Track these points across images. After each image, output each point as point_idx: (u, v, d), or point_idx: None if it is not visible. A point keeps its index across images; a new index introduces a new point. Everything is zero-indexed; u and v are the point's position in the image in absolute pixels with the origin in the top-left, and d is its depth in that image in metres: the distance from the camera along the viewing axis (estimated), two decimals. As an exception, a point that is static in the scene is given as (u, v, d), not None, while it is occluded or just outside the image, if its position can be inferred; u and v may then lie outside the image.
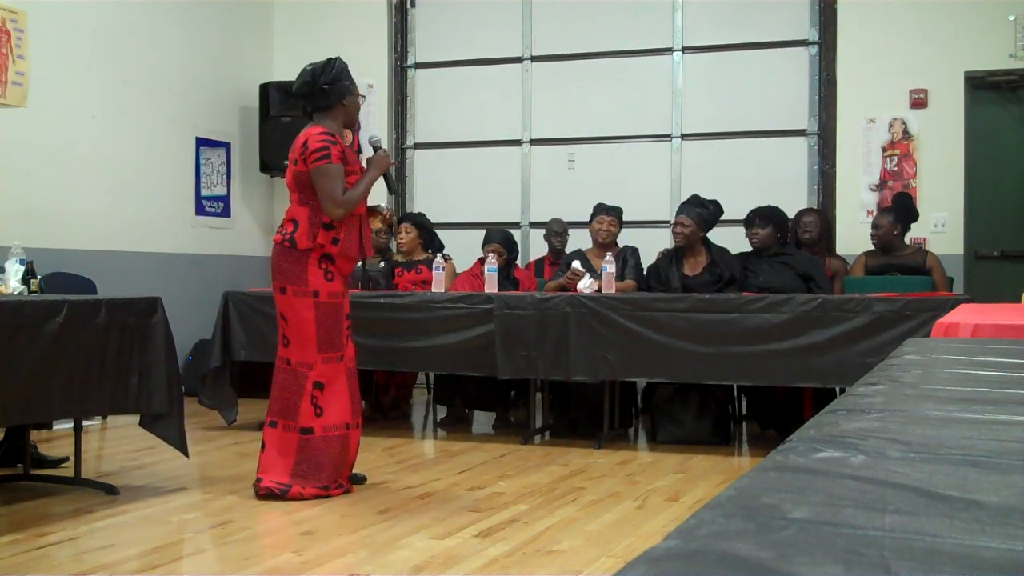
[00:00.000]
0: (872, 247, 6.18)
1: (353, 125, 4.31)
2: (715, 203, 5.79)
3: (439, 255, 6.03)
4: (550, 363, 5.25)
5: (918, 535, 0.67)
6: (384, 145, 4.33)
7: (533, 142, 7.91)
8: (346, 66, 4.16)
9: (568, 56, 7.81)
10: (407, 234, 6.41)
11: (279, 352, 4.11)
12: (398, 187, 4.13)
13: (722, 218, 6.23)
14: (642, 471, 4.70)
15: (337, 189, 3.97)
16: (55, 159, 6.36)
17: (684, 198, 6.08)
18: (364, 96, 4.35)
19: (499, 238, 6.26)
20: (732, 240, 6.17)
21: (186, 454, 4.28)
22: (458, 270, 6.50)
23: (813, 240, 6.18)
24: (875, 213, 6.58)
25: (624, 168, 7.59)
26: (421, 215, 6.70)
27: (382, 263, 6.37)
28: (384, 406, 6.41)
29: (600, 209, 6.00)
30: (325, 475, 4.03)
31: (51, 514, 3.80)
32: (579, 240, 6.46)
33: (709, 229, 5.80)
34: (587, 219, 6.09)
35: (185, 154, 7.50)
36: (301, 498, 3.98)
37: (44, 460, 4.64)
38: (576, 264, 5.73)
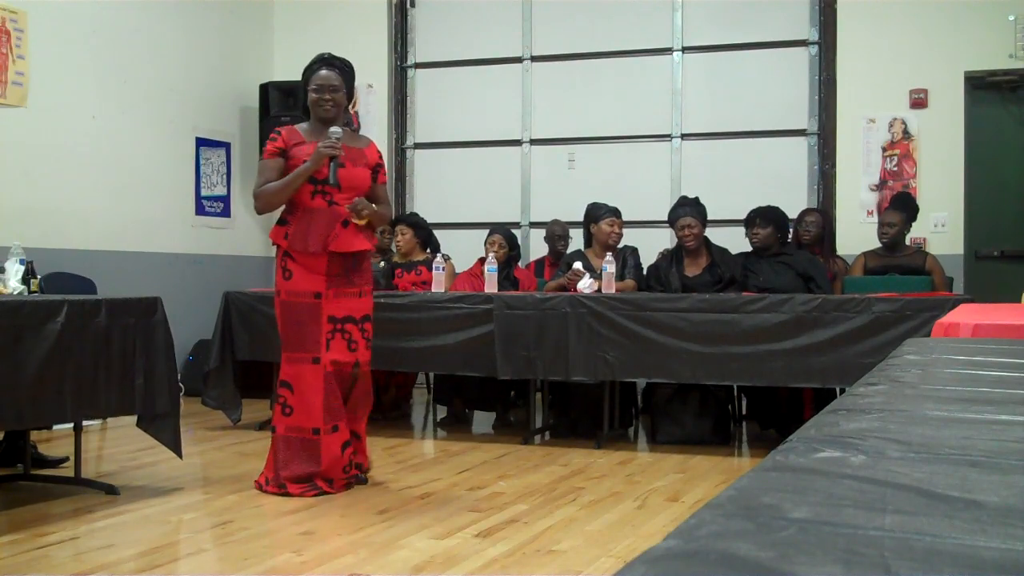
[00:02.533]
0: (873, 247, 6.18)
1: (324, 120, 4.07)
2: (698, 199, 5.82)
3: (439, 255, 6.03)
4: (550, 363, 5.25)
5: (918, 535, 0.67)
6: (339, 135, 4.01)
7: (533, 142, 7.91)
8: (313, 62, 4.10)
9: (568, 56, 7.81)
10: (403, 235, 6.42)
11: None
12: (337, 182, 3.95)
13: (722, 218, 6.24)
14: (642, 471, 4.70)
15: (257, 183, 4.07)
16: (55, 159, 6.35)
17: (684, 198, 6.08)
18: (317, 87, 4.05)
19: (502, 232, 6.29)
20: (732, 240, 6.17)
21: (179, 455, 4.27)
22: (458, 270, 6.50)
23: (815, 240, 6.18)
24: (880, 212, 6.58)
25: (624, 168, 7.59)
26: (415, 215, 6.71)
27: (382, 263, 6.38)
28: (384, 406, 6.41)
29: (609, 211, 5.95)
30: (282, 475, 4.04)
31: (51, 514, 3.80)
32: (577, 240, 6.45)
33: (707, 226, 5.82)
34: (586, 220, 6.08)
35: (185, 154, 7.50)
36: (261, 490, 4.12)
37: (44, 460, 4.64)
38: (578, 265, 5.73)
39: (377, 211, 4.14)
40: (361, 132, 8.08)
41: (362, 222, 4.03)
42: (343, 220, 4.00)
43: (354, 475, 4.24)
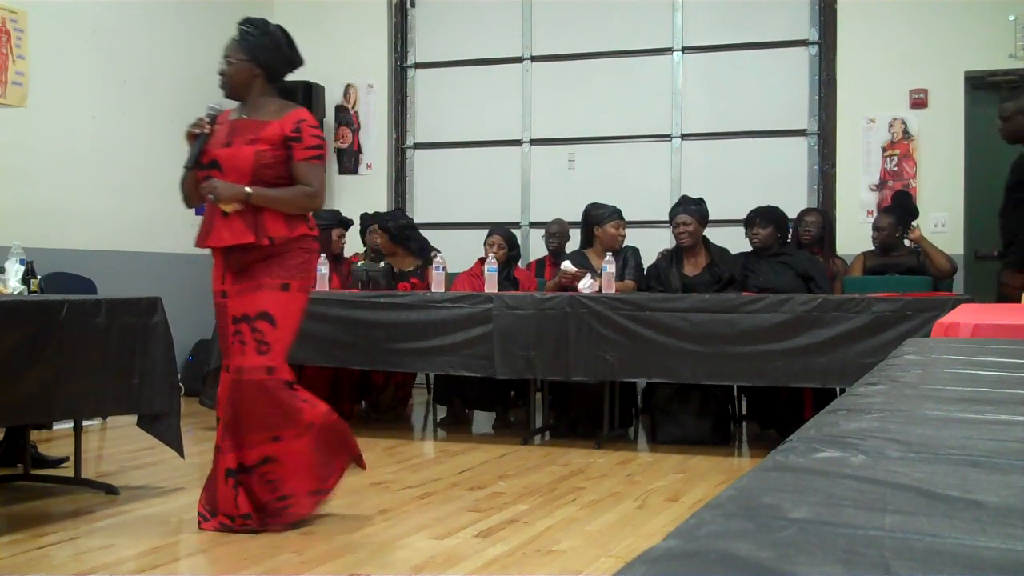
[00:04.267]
0: (871, 247, 6.18)
1: (226, 95, 3.69)
2: (702, 200, 5.82)
3: (439, 254, 6.03)
4: (549, 363, 5.25)
5: (918, 535, 0.67)
6: (216, 111, 3.64)
7: (533, 142, 7.91)
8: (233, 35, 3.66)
9: (568, 56, 7.82)
10: (380, 238, 6.43)
11: None
12: (191, 164, 3.62)
13: (722, 218, 6.22)
14: (642, 471, 4.70)
15: None
16: (55, 159, 6.35)
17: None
18: (221, 60, 3.68)
19: (501, 232, 6.28)
20: (732, 240, 6.17)
21: (182, 454, 4.27)
22: (459, 270, 6.49)
23: (814, 240, 6.18)
24: (876, 213, 6.59)
25: (624, 168, 7.60)
26: (392, 218, 6.57)
27: (383, 263, 6.37)
28: (381, 407, 6.42)
29: (612, 213, 5.93)
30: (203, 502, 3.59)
31: (51, 514, 3.80)
32: (576, 240, 6.44)
33: (706, 226, 5.82)
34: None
35: (185, 154, 7.47)
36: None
37: (44, 460, 4.64)
38: (567, 264, 5.72)
39: (264, 193, 3.47)
40: (360, 131, 8.16)
41: (228, 208, 3.46)
42: (223, 210, 3.51)
43: (240, 523, 3.48)
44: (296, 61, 3.75)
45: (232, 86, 3.65)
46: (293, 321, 3.53)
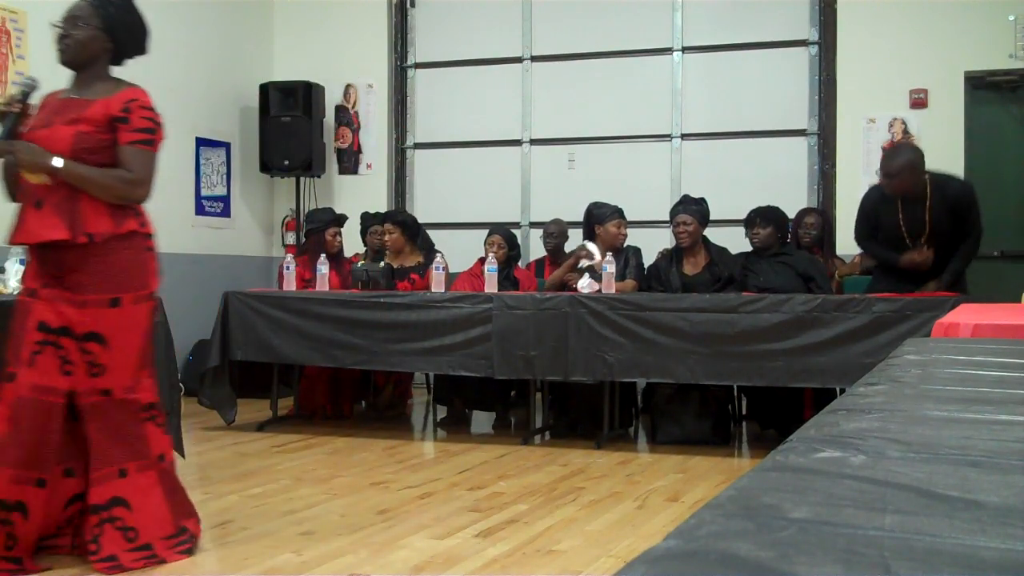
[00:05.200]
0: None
1: (64, 60, 3.16)
2: (703, 200, 5.82)
3: (439, 255, 6.03)
4: (549, 363, 5.25)
5: (918, 535, 0.67)
6: (28, 87, 3.14)
7: (533, 142, 7.91)
8: None
9: (568, 56, 7.81)
10: (390, 235, 6.43)
11: None
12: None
13: (722, 218, 6.20)
14: (642, 471, 4.70)
15: None
16: (55, 159, 6.34)
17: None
18: (66, 21, 3.13)
19: (501, 232, 6.29)
20: (732, 240, 6.17)
21: (182, 454, 4.27)
22: (459, 270, 6.49)
23: (814, 241, 6.18)
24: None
25: (624, 168, 7.60)
26: (402, 212, 6.67)
27: (382, 263, 6.37)
28: (380, 406, 6.42)
29: (614, 212, 5.94)
30: None
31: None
32: (575, 239, 6.44)
33: (706, 226, 5.82)
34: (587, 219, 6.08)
35: (185, 154, 7.49)
36: None
37: (44, 460, 4.63)
38: (589, 245, 5.76)
39: (76, 168, 2.97)
40: (360, 131, 8.15)
41: (33, 179, 2.98)
42: (36, 200, 2.99)
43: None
44: (144, 49, 3.33)
45: (75, 54, 3.13)
46: (135, 338, 3.05)
